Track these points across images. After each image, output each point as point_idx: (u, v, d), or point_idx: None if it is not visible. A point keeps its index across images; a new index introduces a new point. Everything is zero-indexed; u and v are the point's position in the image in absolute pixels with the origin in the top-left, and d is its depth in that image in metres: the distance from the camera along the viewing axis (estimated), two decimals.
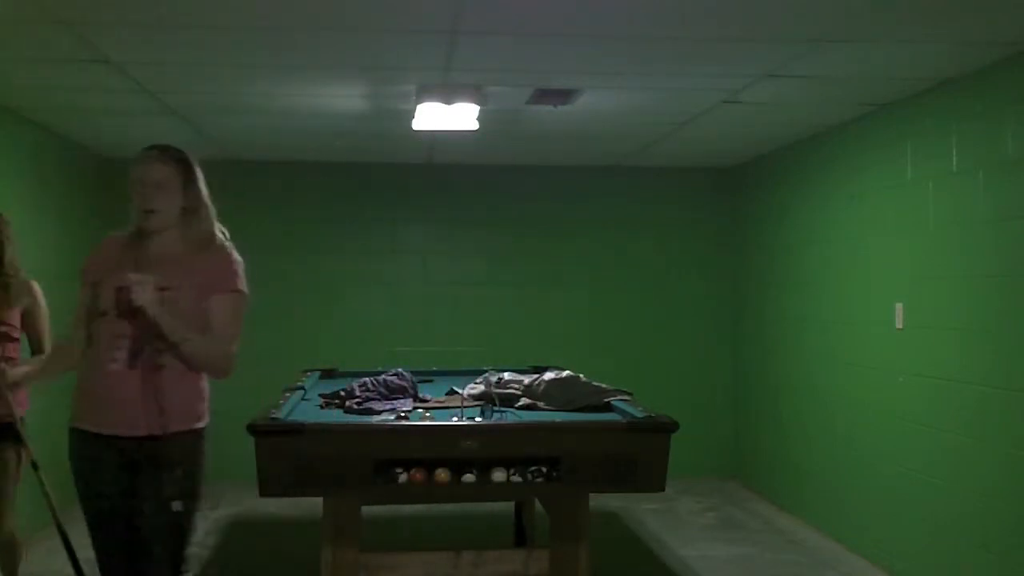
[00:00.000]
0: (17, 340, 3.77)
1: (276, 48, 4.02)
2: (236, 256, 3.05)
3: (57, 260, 5.43)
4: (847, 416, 5.47)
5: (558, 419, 3.78)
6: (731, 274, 7.47)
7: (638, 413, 3.76)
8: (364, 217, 7.32)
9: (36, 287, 3.82)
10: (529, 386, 4.22)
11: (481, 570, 3.69)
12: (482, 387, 4.30)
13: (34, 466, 3.59)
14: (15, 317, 3.74)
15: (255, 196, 7.13)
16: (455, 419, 3.66)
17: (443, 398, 4.40)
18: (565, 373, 4.26)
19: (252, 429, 3.34)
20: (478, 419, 3.69)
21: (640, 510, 6.24)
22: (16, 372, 3.61)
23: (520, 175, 7.40)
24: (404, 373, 4.55)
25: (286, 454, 3.30)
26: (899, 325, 4.86)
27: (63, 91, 4.82)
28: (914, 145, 4.78)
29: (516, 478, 3.36)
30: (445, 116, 4.91)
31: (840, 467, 5.56)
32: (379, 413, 3.90)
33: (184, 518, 2.92)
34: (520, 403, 4.09)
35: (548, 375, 4.22)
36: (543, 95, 4.81)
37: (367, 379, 4.43)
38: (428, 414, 3.91)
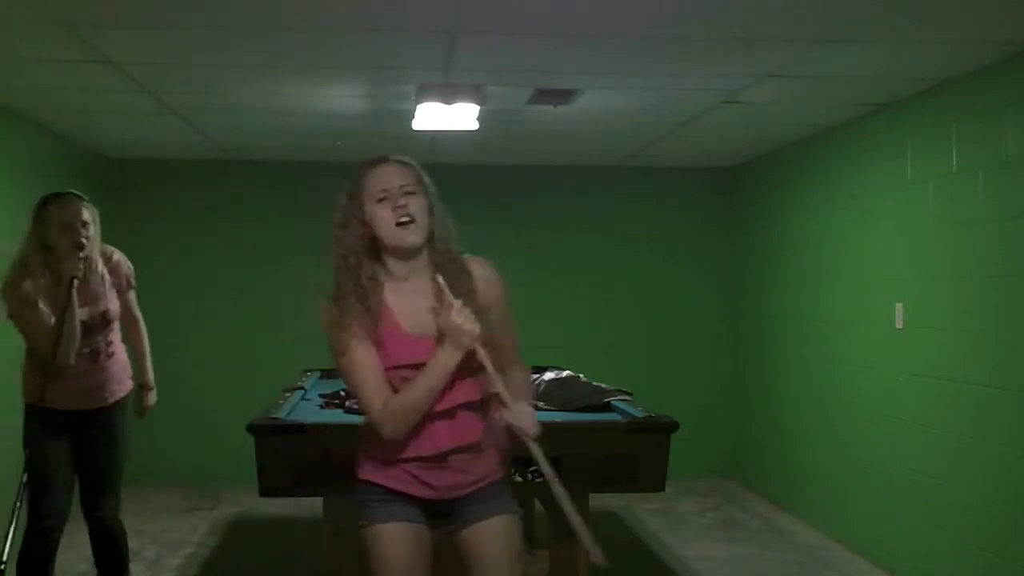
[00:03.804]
0: None
1: (276, 48, 4.01)
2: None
3: None
4: (847, 416, 5.46)
5: (558, 419, 3.77)
6: (731, 274, 7.46)
7: (638, 413, 3.76)
8: None
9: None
10: None
11: None
12: None
13: None
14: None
15: (255, 196, 7.13)
16: None
17: None
18: (565, 373, 4.26)
19: (252, 429, 3.35)
20: None
21: (640, 510, 6.24)
22: None
23: (520, 175, 7.40)
24: None
25: (286, 454, 3.30)
26: (899, 325, 4.86)
27: (63, 91, 4.81)
28: (914, 145, 4.78)
29: (516, 478, 3.36)
30: (445, 116, 4.91)
31: (840, 467, 5.56)
32: None
33: None
34: None
35: (548, 375, 4.23)
36: (543, 95, 4.81)
37: None
38: None
